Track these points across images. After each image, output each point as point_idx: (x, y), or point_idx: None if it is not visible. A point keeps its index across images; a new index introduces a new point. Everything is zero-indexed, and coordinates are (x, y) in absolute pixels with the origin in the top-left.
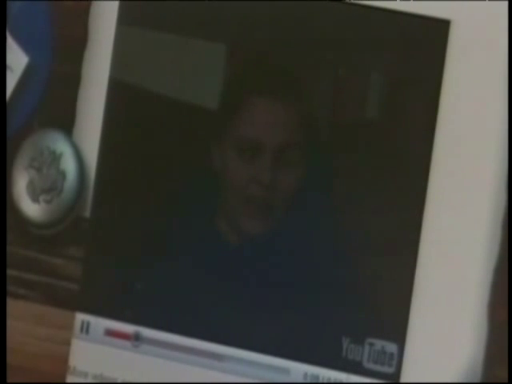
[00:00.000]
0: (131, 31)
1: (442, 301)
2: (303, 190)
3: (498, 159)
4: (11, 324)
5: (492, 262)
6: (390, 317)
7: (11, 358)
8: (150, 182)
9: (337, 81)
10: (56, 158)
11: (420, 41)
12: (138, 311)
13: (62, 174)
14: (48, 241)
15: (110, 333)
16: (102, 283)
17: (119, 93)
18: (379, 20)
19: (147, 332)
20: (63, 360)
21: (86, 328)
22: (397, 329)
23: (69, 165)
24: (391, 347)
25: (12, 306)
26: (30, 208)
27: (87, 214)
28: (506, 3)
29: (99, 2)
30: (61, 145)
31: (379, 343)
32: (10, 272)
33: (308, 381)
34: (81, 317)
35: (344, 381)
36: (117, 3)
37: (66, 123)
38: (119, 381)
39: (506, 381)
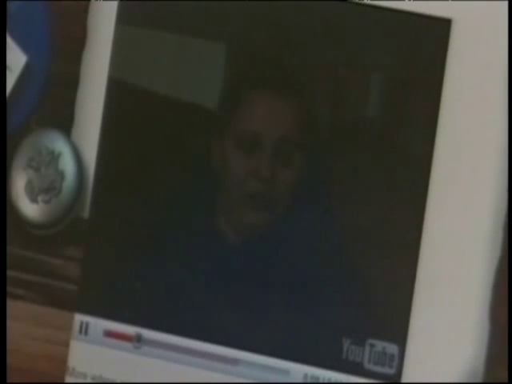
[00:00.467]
0: (130, 30)
1: (442, 302)
2: (303, 187)
3: (499, 159)
4: (10, 325)
5: (493, 262)
6: (390, 318)
7: (9, 359)
8: (150, 181)
9: (337, 79)
10: (54, 157)
11: (421, 40)
12: (137, 312)
13: (61, 174)
14: (47, 241)
15: (109, 334)
16: (100, 284)
17: (118, 92)
18: (380, 19)
19: (149, 334)
20: (62, 361)
21: (84, 329)
22: (398, 330)
23: (67, 165)
24: (392, 348)
25: (10, 306)
26: (29, 208)
27: (86, 214)
28: (507, 2)
29: (98, 1)
30: (59, 144)
31: (380, 344)
32: (8, 272)
33: (308, 382)
34: (80, 318)
35: (344, 382)
36: (116, 3)
37: (65, 123)
38: (118, 381)
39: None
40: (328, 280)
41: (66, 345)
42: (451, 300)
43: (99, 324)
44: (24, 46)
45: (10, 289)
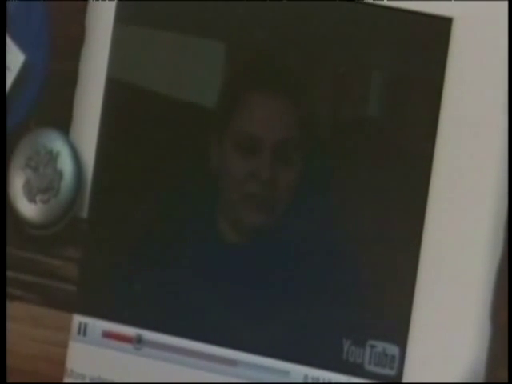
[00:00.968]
0: (129, 29)
1: (443, 302)
2: (303, 188)
3: (501, 159)
4: (7, 325)
5: (495, 263)
6: (391, 319)
7: (7, 360)
8: (149, 181)
9: (338, 78)
10: (53, 157)
11: (421, 38)
12: (136, 313)
13: (59, 174)
14: (45, 241)
15: (109, 335)
16: (99, 284)
17: (117, 91)
18: (380, 17)
19: (149, 335)
20: (60, 362)
21: (83, 330)
22: (398, 331)
23: (66, 164)
24: (393, 349)
25: (8, 307)
26: (27, 208)
27: (85, 214)
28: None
29: (96, 0)
30: (58, 144)
31: (380, 345)
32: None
33: (308, 383)
34: (78, 318)
35: (345, 383)
36: (114, 1)
37: (63, 122)
38: (117, 382)
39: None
40: (328, 281)
41: (65, 346)
42: (452, 301)
43: (98, 325)
44: (22, 45)
45: (7, 289)
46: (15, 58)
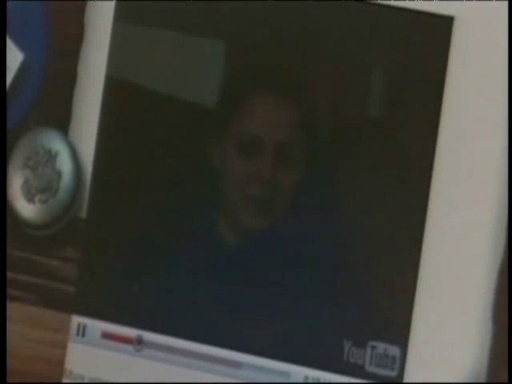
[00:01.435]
0: (128, 28)
1: (444, 303)
2: (304, 188)
3: (502, 158)
4: (6, 326)
5: (496, 264)
6: (392, 319)
7: (6, 361)
8: (148, 181)
9: (339, 78)
10: (52, 157)
11: (423, 38)
12: (136, 314)
13: (58, 174)
14: (44, 242)
15: (108, 336)
16: (98, 285)
17: (116, 91)
18: (381, 16)
19: (149, 336)
20: (59, 363)
21: (82, 331)
22: (399, 332)
23: (65, 164)
24: (393, 350)
25: (8, 308)
26: (26, 208)
27: (84, 214)
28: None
29: None
30: (56, 144)
31: (381, 346)
32: None
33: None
34: (77, 319)
35: None
36: (113, 0)
37: (62, 122)
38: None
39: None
40: (329, 282)
41: (64, 347)
42: (453, 301)
43: (97, 326)
44: (21, 44)
45: (6, 290)
46: (14, 57)
